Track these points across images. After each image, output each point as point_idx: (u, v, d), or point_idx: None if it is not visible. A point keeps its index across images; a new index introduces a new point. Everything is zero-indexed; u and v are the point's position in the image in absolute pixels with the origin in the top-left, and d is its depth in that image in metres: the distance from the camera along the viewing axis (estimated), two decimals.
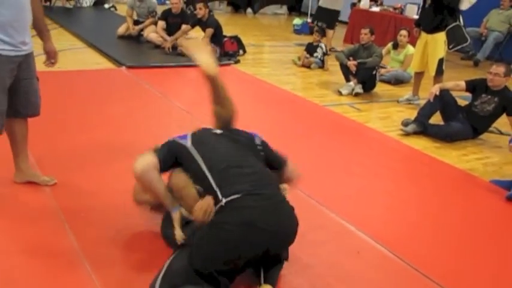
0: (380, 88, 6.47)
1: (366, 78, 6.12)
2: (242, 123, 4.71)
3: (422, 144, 4.60)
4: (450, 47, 5.44)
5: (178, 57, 7.12)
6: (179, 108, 4.93)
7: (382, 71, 6.87)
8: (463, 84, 4.88)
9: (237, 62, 7.41)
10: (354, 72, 6.12)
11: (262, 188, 2.29)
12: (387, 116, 5.46)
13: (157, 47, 7.56)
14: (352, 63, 6.11)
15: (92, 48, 7.33)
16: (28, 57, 2.89)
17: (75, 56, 6.88)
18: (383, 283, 2.52)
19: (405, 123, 4.91)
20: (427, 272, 2.60)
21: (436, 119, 5.00)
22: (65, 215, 2.82)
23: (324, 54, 7.56)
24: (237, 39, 7.86)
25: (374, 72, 6.18)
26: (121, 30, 8.04)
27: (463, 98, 5.24)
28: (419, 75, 5.88)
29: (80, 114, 4.54)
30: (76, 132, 4.14)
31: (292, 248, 2.67)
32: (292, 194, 3.21)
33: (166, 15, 7.71)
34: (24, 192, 3.08)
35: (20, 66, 2.83)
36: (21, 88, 2.91)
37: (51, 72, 5.59)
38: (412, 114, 5.11)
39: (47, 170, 3.29)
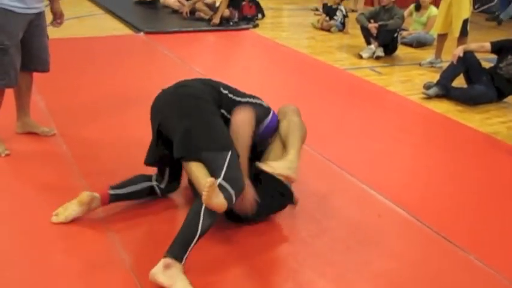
0: (402, 51, 6.34)
1: (387, 41, 5.99)
2: (261, 87, 4.71)
3: (444, 108, 4.52)
4: (475, 7, 5.27)
5: (196, 22, 7.06)
6: (197, 72, 4.90)
7: (404, 33, 6.72)
8: (488, 45, 4.75)
9: (256, 26, 7.31)
10: (374, 35, 5.99)
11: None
12: (409, 79, 5.36)
13: (174, 12, 7.49)
14: (373, 26, 5.97)
15: (109, 15, 7.29)
16: (39, 16, 3.03)
17: (94, 22, 6.88)
18: (404, 246, 2.51)
19: (427, 87, 4.81)
20: (448, 235, 2.58)
21: (459, 82, 4.90)
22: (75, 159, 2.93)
23: (344, 16, 7.41)
24: (255, 3, 7.75)
25: (395, 35, 6.04)
26: None
27: (487, 60, 5.11)
28: (442, 37, 5.73)
29: (96, 77, 4.59)
30: (92, 91, 4.21)
31: (312, 211, 2.70)
32: (312, 158, 3.23)
33: None
34: (38, 142, 3.24)
35: (31, 23, 2.97)
36: (32, 45, 3.05)
37: (70, 38, 5.69)
38: (435, 77, 5.00)
39: (61, 123, 3.48)
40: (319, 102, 4.46)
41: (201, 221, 2.04)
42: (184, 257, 2.02)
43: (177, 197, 2.70)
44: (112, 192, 2.40)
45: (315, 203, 2.77)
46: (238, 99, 2.52)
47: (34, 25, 3.00)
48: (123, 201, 2.50)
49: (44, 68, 3.20)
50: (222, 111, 2.43)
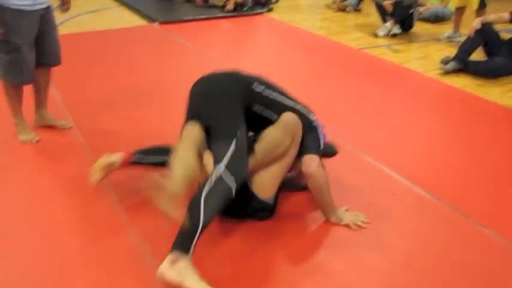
0: (419, 27, 6.22)
1: (403, 17, 5.89)
2: (276, 71, 4.70)
3: (462, 83, 4.42)
4: None
5: (210, 9, 7.05)
6: (212, 59, 4.91)
7: (421, 9, 6.58)
8: (507, 15, 4.61)
9: (270, 10, 7.26)
10: (390, 12, 5.89)
11: None
12: (426, 55, 5.26)
13: (188, 1, 7.48)
14: (388, 3, 5.88)
15: (124, 7, 7.33)
16: (48, 10, 3.08)
17: (109, 15, 6.92)
18: (419, 223, 2.49)
19: (445, 62, 4.72)
20: (466, 211, 2.55)
21: (478, 55, 4.79)
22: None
23: None
24: None
25: (411, 11, 5.93)
26: None
27: (507, 31, 4.98)
28: (460, 10, 5.61)
29: (112, 69, 4.65)
30: (108, 84, 4.26)
31: None
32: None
33: None
34: (55, 135, 3.33)
35: (41, 18, 3.02)
36: (44, 40, 3.10)
37: (86, 32, 5.74)
38: (453, 52, 4.87)
39: (77, 116, 3.56)
40: (334, 82, 4.43)
41: (201, 210, 1.99)
42: (191, 249, 1.96)
43: None
44: (136, 156, 2.53)
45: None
46: (280, 99, 2.45)
47: (45, 20, 3.05)
48: (140, 165, 2.57)
49: (56, 61, 3.26)
50: (256, 107, 2.38)
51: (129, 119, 3.58)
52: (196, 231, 1.98)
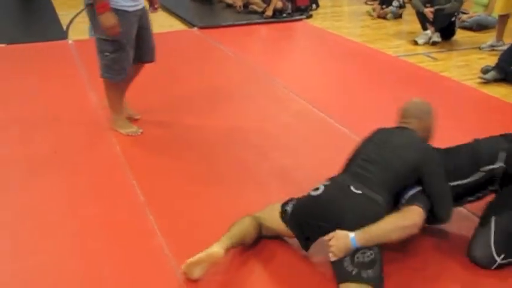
0: (461, 35, 6.08)
1: (444, 25, 5.77)
2: (312, 77, 4.69)
3: (502, 92, 4.29)
4: None
5: (249, 15, 7.11)
6: (248, 65, 4.95)
7: (464, 16, 6.45)
8: None
9: (309, 17, 7.27)
10: (431, 19, 5.78)
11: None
12: (466, 64, 5.13)
13: (229, 6, 7.57)
14: (428, 10, 5.76)
15: (166, 12, 7.49)
16: (144, 10, 3.27)
17: (152, 19, 7.08)
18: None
19: (484, 71, 4.60)
20: None
21: None
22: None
23: (401, 6, 7.20)
24: None
25: (453, 19, 5.80)
26: None
27: None
28: (504, 18, 5.46)
29: (152, 72, 4.71)
30: (147, 87, 4.30)
31: None
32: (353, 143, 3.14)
33: None
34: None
35: (141, 18, 3.18)
36: (143, 36, 3.27)
37: None
38: (495, 61, 4.75)
39: None
40: (368, 89, 4.37)
41: None
42: None
43: None
44: None
45: None
46: None
47: (143, 20, 3.22)
48: None
49: (153, 58, 3.43)
50: None
51: (162, 124, 3.65)
52: None
